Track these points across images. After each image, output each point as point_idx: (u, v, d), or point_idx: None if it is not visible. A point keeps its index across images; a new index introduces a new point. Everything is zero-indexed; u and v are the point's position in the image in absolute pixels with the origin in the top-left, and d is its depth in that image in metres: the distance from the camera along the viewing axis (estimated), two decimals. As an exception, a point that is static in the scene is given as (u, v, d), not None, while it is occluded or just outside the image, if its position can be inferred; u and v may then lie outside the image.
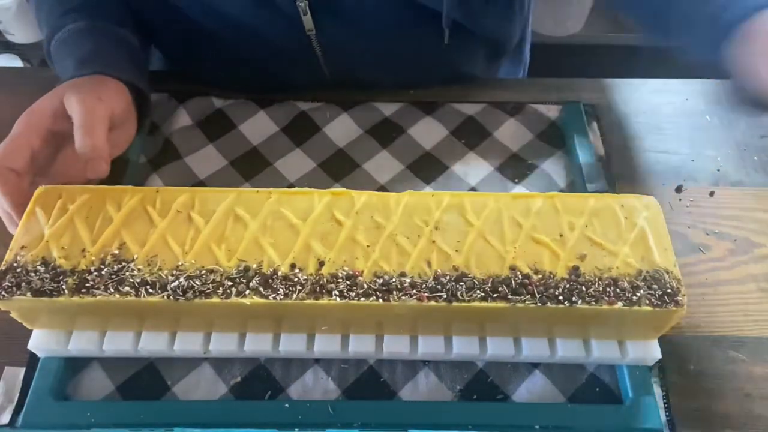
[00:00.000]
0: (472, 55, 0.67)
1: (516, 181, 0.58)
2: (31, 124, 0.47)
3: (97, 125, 0.47)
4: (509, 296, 0.40)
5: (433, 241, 0.42)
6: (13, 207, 0.45)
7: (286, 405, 0.44)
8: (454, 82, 0.66)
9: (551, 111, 0.63)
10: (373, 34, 0.60)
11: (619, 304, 0.40)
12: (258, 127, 0.61)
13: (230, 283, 0.40)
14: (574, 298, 0.40)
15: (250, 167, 0.58)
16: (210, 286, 0.40)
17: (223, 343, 0.45)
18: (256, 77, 0.64)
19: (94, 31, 0.55)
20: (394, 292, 0.40)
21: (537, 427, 0.43)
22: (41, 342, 0.44)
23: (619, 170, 0.59)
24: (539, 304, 0.40)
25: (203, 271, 0.41)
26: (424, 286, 0.40)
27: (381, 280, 0.41)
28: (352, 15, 0.58)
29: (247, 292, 0.40)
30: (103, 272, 0.40)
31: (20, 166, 0.45)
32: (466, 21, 0.58)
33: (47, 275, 0.40)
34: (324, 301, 0.40)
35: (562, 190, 0.57)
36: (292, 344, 0.45)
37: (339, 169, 0.58)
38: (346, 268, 0.41)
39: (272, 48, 0.61)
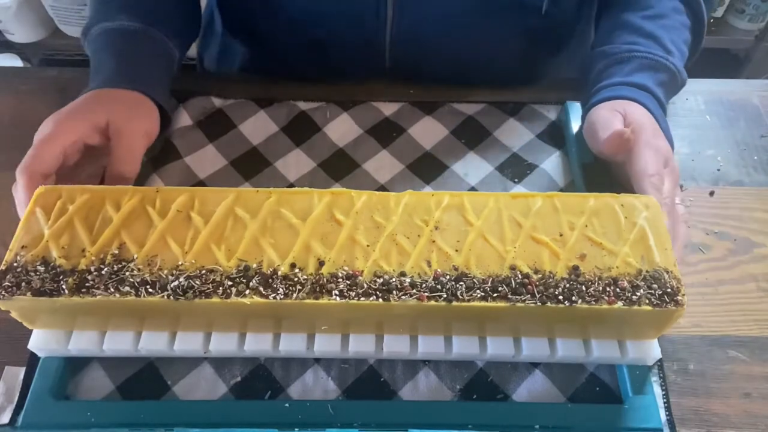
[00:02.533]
0: (558, 46, 0.68)
1: (516, 180, 0.58)
2: (70, 130, 0.47)
3: (137, 159, 0.49)
4: (509, 296, 0.40)
5: (433, 241, 0.42)
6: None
7: (286, 405, 0.44)
8: (528, 83, 0.66)
9: (551, 111, 0.63)
10: (453, 14, 0.60)
11: (619, 304, 0.40)
12: (258, 127, 0.61)
13: (230, 283, 0.40)
14: (574, 298, 0.40)
15: (250, 167, 0.58)
16: (210, 285, 0.40)
17: (223, 343, 0.45)
18: (316, 56, 0.64)
19: (142, 38, 0.56)
20: (394, 292, 0.40)
21: (537, 426, 0.43)
22: (41, 342, 0.44)
23: (619, 170, 0.59)
24: (539, 303, 0.40)
25: (203, 271, 0.41)
26: (424, 285, 0.40)
27: (381, 280, 0.40)
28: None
29: (247, 291, 0.40)
30: (103, 272, 0.40)
31: (50, 172, 0.46)
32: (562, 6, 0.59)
33: (47, 275, 0.40)
34: (324, 300, 0.40)
35: (561, 190, 0.57)
36: (292, 344, 0.45)
37: (339, 169, 0.58)
38: (345, 268, 0.41)
39: (344, 22, 0.61)
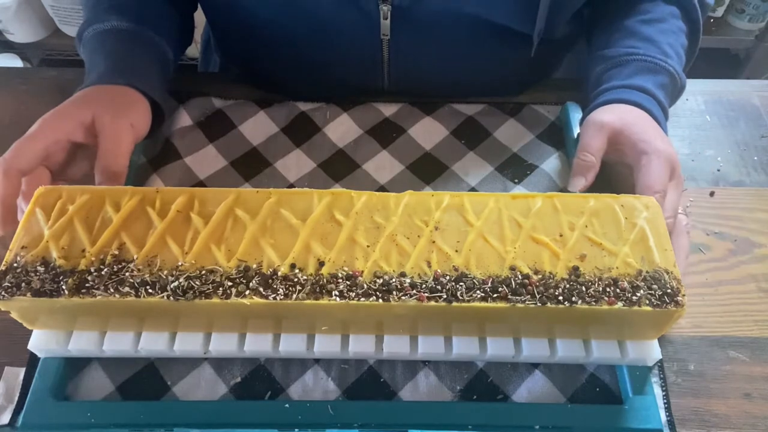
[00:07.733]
0: (553, 63, 0.69)
1: (516, 181, 0.58)
2: (54, 129, 0.47)
3: (124, 153, 0.48)
4: (509, 296, 0.40)
5: (433, 241, 0.42)
6: (3, 211, 0.45)
7: (286, 405, 0.44)
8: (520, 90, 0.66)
9: (551, 111, 0.63)
10: (448, 47, 0.60)
11: (619, 304, 0.40)
12: (258, 127, 0.61)
13: (230, 284, 0.40)
14: (574, 298, 0.40)
15: (250, 167, 0.58)
16: (210, 286, 0.40)
17: (223, 343, 0.45)
18: (315, 77, 0.64)
19: (134, 37, 0.56)
20: (394, 293, 0.40)
21: (537, 427, 0.43)
22: (41, 342, 0.44)
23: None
24: (539, 304, 0.40)
25: (203, 272, 0.41)
26: (424, 286, 0.40)
27: (381, 281, 0.40)
28: (431, 27, 0.58)
29: (247, 292, 0.40)
30: (102, 272, 0.40)
31: (28, 169, 0.46)
32: (555, 35, 0.59)
33: (47, 275, 0.40)
34: (324, 301, 0.40)
35: (561, 191, 0.57)
36: (292, 344, 0.45)
37: (339, 169, 0.58)
38: (345, 269, 0.41)
39: (340, 48, 0.61)
